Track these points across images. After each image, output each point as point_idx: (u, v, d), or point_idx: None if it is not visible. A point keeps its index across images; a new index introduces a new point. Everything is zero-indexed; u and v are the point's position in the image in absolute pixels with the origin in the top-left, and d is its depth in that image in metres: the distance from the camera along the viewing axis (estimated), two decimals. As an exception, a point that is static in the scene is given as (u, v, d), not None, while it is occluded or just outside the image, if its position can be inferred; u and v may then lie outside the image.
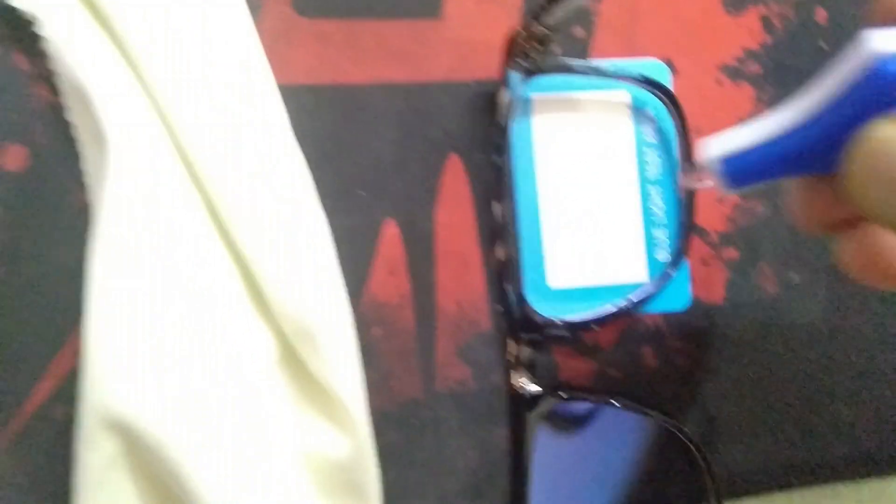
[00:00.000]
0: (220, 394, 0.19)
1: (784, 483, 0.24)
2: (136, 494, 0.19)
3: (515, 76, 0.22)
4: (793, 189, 0.17)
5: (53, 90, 0.21)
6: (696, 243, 0.24)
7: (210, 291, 0.19)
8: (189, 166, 0.20)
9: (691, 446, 0.23)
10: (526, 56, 0.22)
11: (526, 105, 0.24)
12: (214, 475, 0.18)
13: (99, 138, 0.19)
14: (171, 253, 0.19)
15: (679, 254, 0.23)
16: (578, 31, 0.24)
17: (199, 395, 0.19)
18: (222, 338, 0.19)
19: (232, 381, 0.19)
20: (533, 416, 0.22)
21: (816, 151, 0.14)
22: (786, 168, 0.16)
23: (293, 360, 0.21)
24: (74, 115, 0.20)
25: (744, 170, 0.16)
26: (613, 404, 0.22)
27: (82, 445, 0.18)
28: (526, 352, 0.22)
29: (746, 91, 0.25)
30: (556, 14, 0.21)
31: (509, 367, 0.23)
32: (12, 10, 0.20)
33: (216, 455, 0.18)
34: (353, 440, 0.20)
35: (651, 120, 0.24)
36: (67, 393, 0.20)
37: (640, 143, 0.24)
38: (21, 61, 0.21)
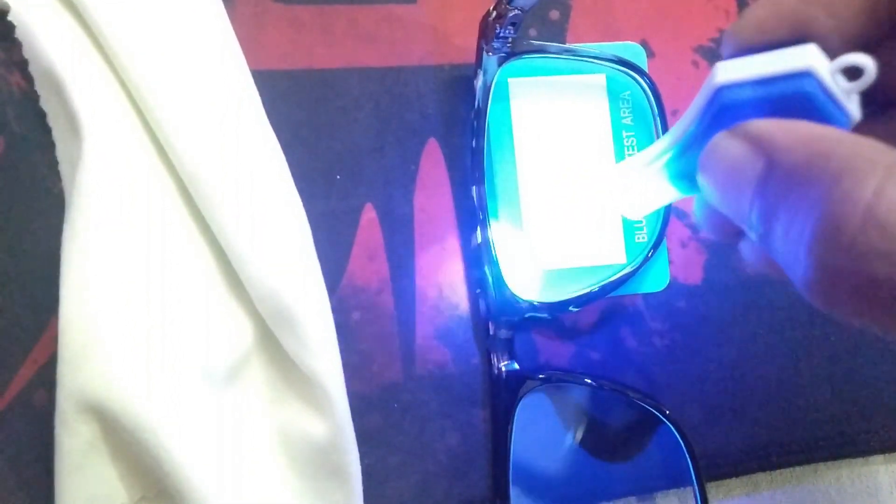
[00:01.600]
0: (195, 377, 0.19)
1: (766, 464, 0.24)
2: (116, 477, 0.19)
3: (491, 59, 0.22)
4: (695, 204, 0.17)
5: (27, 78, 0.21)
6: (675, 225, 0.24)
7: (184, 276, 0.20)
8: (162, 152, 0.20)
9: (671, 427, 0.23)
10: (500, 39, 0.22)
11: (503, 89, 0.24)
12: (192, 456, 0.18)
13: (72, 125, 0.19)
14: (144, 238, 0.19)
15: (658, 235, 0.24)
16: (554, 15, 0.24)
17: (175, 377, 0.19)
18: (197, 321, 0.19)
19: (208, 365, 0.19)
20: (513, 398, 0.22)
21: (685, 172, 0.16)
22: (673, 191, 0.17)
23: (270, 344, 0.21)
24: (46, 103, 0.20)
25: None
26: (592, 385, 0.22)
27: (61, 430, 0.18)
28: (505, 334, 0.22)
29: (723, 72, 0.25)
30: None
31: (489, 349, 0.23)
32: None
33: (193, 436, 0.18)
34: (332, 422, 0.20)
35: (628, 101, 0.24)
36: (48, 379, 0.20)
37: (618, 125, 0.24)
38: (-6, 49, 0.21)
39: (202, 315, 0.20)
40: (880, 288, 0.11)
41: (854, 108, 0.13)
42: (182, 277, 0.19)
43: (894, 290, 0.11)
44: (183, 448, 0.18)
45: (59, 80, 0.19)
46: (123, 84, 0.20)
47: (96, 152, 0.19)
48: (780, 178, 0.12)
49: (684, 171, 0.16)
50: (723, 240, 0.16)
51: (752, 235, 0.13)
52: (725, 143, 0.14)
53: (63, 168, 0.20)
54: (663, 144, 0.17)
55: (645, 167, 0.17)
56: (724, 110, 0.14)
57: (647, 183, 0.17)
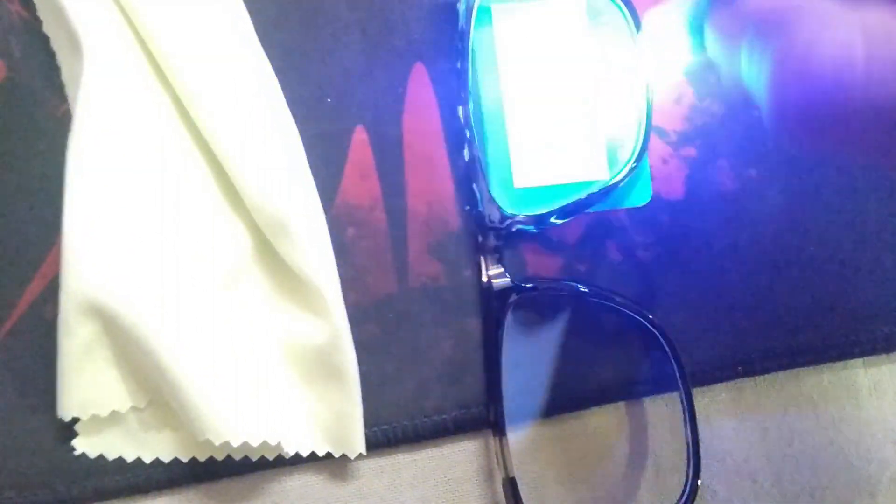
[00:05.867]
0: (195, 284, 0.20)
1: (749, 369, 0.25)
2: (112, 381, 0.20)
3: (473, -17, 0.23)
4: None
5: (27, 7, 0.22)
6: (656, 142, 0.25)
7: (183, 187, 0.20)
8: (160, 72, 0.21)
9: (656, 332, 0.24)
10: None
11: (486, 13, 0.25)
12: (188, 356, 0.19)
13: (73, 46, 0.20)
14: (144, 150, 0.20)
15: (639, 152, 0.24)
16: (534, -59, 0.25)
17: (174, 282, 0.19)
18: (197, 231, 0.20)
19: (208, 272, 0.20)
20: (503, 307, 0.23)
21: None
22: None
23: (268, 255, 0.22)
24: (49, 28, 0.21)
25: None
26: (579, 293, 0.23)
27: (62, 331, 0.19)
28: (494, 246, 0.23)
29: (699, -5, 0.26)
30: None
31: (479, 262, 0.24)
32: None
33: (190, 338, 0.19)
34: (330, 325, 0.21)
35: (607, 24, 0.25)
36: (55, 294, 0.21)
37: (598, 47, 0.25)
38: (-5, -21, 0.22)
39: (202, 225, 0.21)
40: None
41: None
42: (181, 189, 0.20)
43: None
44: (179, 348, 0.19)
45: (59, 4, 0.20)
46: (121, 7, 0.21)
47: (96, 69, 0.20)
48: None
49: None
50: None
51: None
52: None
53: (69, 90, 0.21)
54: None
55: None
56: None
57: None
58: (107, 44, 0.20)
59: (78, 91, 0.20)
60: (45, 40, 0.22)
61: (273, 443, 0.20)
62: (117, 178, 0.19)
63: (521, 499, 0.22)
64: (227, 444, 0.19)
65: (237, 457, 0.21)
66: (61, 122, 0.22)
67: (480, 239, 0.23)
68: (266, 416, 0.20)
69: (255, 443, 0.19)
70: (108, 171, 0.19)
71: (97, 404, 0.20)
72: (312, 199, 0.22)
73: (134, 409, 0.20)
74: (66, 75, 0.21)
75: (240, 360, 0.20)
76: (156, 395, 0.20)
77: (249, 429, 0.19)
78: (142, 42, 0.21)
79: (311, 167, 0.23)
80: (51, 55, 0.22)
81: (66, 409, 0.19)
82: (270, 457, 0.21)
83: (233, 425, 0.19)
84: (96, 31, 0.20)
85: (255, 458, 0.21)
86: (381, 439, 0.22)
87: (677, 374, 0.24)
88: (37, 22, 0.22)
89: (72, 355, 0.19)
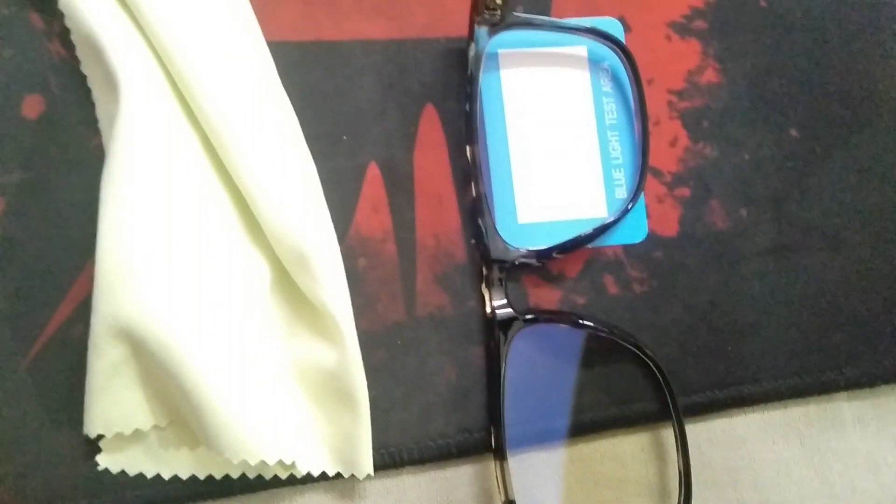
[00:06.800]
0: (217, 308, 0.21)
1: (738, 400, 0.26)
2: (137, 401, 0.21)
3: (482, 31, 0.25)
4: None
5: (65, 46, 0.23)
6: (652, 183, 0.27)
7: (208, 219, 0.22)
8: (188, 110, 0.22)
9: (650, 363, 0.25)
10: (489, 11, 0.24)
11: (494, 59, 0.26)
12: (212, 379, 0.20)
13: (110, 85, 0.22)
14: (172, 183, 0.21)
15: (636, 191, 0.26)
16: (539, -7, 0.27)
17: (198, 307, 0.21)
18: (219, 260, 0.22)
19: (230, 300, 0.21)
20: (505, 337, 0.24)
21: None
22: None
23: (286, 284, 0.23)
24: (87, 67, 0.23)
25: None
26: (578, 324, 0.25)
27: (91, 352, 0.20)
28: (498, 279, 0.25)
29: (693, 45, 0.28)
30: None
31: (483, 293, 0.25)
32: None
33: (213, 361, 0.20)
34: (343, 351, 0.22)
35: (607, 72, 0.27)
36: (85, 315, 0.22)
37: (598, 93, 0.27)
38: (37, 20, 0.23)
39: (224, 255, 0.22)
40: None
41: None
42: (207, 221, 0.22)
43: None
44: (203, 371, 0.20)
45: (98, 45, 0.21)
46: (154, 49, 0.22)
47: (131, 108, 0.21)
48: None
49: None
50: None
51: None
52: None
53: (102, 124, 0.23)
54: None
55: None
56: None
57: None
58: (141, 84, 0.21)
59: (113, 126, 0.21)
60: (82, 78, 0.23)
61: (288, 462, 0.21)
62: (148, 209, 0.21)
63: (520, 521, 0.23)
64: (244, 462, 0.20)
65: (252, 475, 0.22)
66: (93, 154, 0.23)
67: (485, 271, 0.25)
68: (282, 437, 0.21)
69: (271, 461, 0.20)
70: (139, 202, 0.20)
71: (122, 422, 0.21)
72: (329, 231, 0.23)
73: (156, 427, 0.21)
74: (100, 111, 0.23)
75: (258, 383, 0.21)
76: (176, 415, 0.21)
77: (267, 448, 0.20)
78: (173, 82, 0.22)
79: (327, 200, 0.24)
80: (86, 92, 0.23)
81: (93, 426, 0.20)
82: (283, 476, 0.22)
83: (252, 445, 0.20)
84: (132, 72, 0.21)
85: (268, 477, 0.22)
86: (388, 461, 0.23)
87: (670, 404, 0.25)
88: (74, 61, 0.23)
89: (100, 375, 0.20)
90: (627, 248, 0.26)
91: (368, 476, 0.22)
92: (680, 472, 0.25)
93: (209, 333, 0.20)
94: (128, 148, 0.21)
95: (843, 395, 0.27)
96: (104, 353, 0.20)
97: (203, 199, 0.22)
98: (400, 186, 0.25)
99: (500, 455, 0.23)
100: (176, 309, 0.20)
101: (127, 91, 0.21)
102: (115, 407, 0.21)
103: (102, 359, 0.20)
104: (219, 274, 0.21)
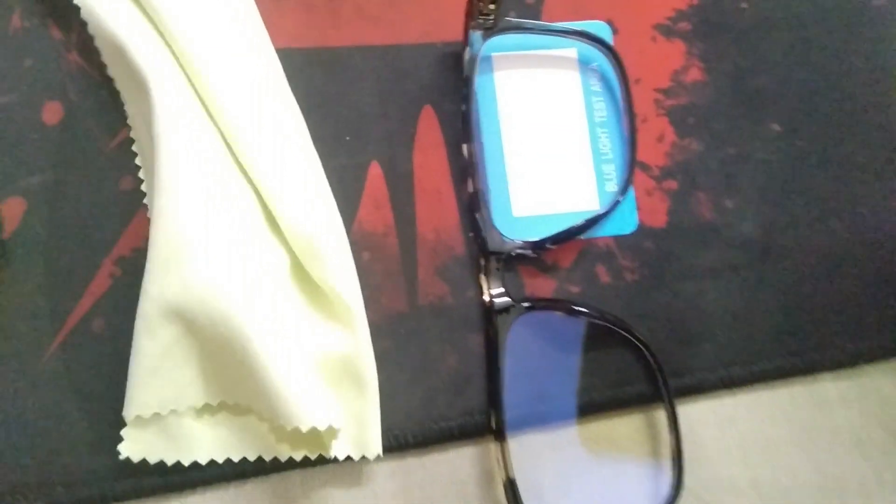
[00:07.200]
0: (259, 292, 0.22)
1: (728, 383, 0.27)
2: (188, 382, 0.22)
3: (476, 36, 0.26)
4: None
5: (83, 55, 0.24)
6: (641, 176, 0.28)
7: (235, 211, 0.23)
8: (208, 112, 0.24)
9: (643, 348, 0.26)
10: (483, 16, 0.26)
11: (488, 62, 0.28)
12: (268, 353, 0.21)
13: (138, 85, 0.23)
14: (207, 175, 0.22)
15: (625, 184, 0.27)
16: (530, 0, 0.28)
17: (245, 289, 0.21)
18: (252, 248, 0.23)
19: (263, 284, 0.23)
20: (503, 324, 0.25)
21: None
22: None
23: (302, 272, 0.24)
24: (113, 70, 0.24)
25: None
26: (572, 311, 0.26)
27: (142, 334, 0.21)
28: (495, 269, 0.26)
29: (678, 46, 0.29)
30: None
31: (481, 283, 0.26)
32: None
33: (266, 338, 0.21)
34: (355, 336, 0.23)
35: (596, 72, 0.28)
36: (105, 309, 0.23)
37: (588, 92, 0.28)
38: (56, 32, 0.24)
39: (254, 242, 0.23)
40: None
41: None
42: (237, 210, 0.23)
43: None
44: (256, 343, 0.21)
45: (122, 49, 0.23)
46: (174, 53, 0.23)
47: (164, 105, 0.22)
48: None
49: None
50: None
51: None
52: None
53: (135, 121, 0.24)
54: None
55: None
56: None
57: None
58: (168, 84, 0.22)
59: (151, 123, 0.22)
60: (98, 84, 0.24)
61: (337, 427, 0.22)
62: (193, 197, 0.21)
63: (520, 498, 0.24)
64: (297, 429, 0.21)
65: (283, 457, 0.23)
66: (110, 157, 0.24)
67: (483, 262, 0.26)
68: (326, 407, 0.22)
69: (322, 427, 0.21)
70: (185, 190, 0.21)
71: (175, 401, 0.21)
72: (337, 224, 0.24)
73: (173, 413, 0.22)
74: (130, 109, 0.24)
75: (298, 359, 0.22)
76: (227, 393, 0.22)
77: (320, 415, 0.21)
78: (192, 85, 0.23)
79: (333, 196, 0.25)
80: (102, 99, 0.24)
81: (144, 407, 0.21)
82: (312, 457, 0.23)
83: (306, 412, 0.21)
84: (159, 73, 0.22)
85: (298, 459, 0.23)
86: (393, 444, 0.25)
87: (662, 387, 0.26)
88: (92, 69, 0.24)
89: (151, 356, 0.21)
90: (618, 239, 0.27)
91: (378, 456, 0.23)
92: (672, 452, 0.26)
93: (256, 312, 0.21)
94: (170, 141, 0.22)
95: (828, 375, 0.28)
96: (156, 334, 0.21)
97: (228, 195, 0.23)
98: (400, 184, 0.26)
99: (499, 436, 0.24)
100: (225, 290, 0.21)
101: (157, 91, 0.22)
102: (166, 388, 0.21)
103: (154, 340, 0.21)
104: (253, 260, 0.23)
